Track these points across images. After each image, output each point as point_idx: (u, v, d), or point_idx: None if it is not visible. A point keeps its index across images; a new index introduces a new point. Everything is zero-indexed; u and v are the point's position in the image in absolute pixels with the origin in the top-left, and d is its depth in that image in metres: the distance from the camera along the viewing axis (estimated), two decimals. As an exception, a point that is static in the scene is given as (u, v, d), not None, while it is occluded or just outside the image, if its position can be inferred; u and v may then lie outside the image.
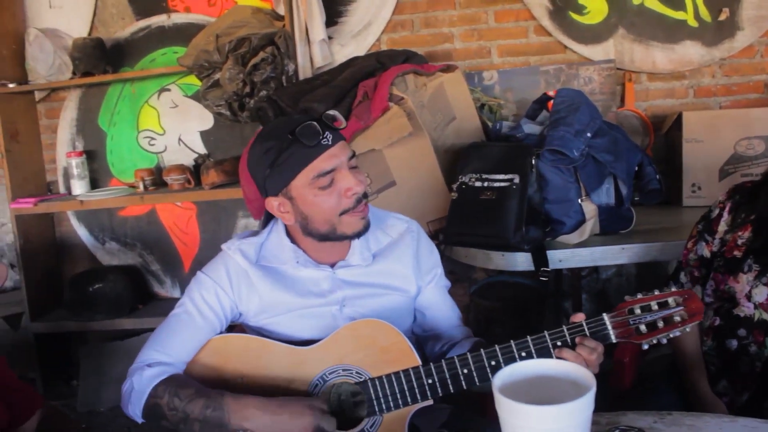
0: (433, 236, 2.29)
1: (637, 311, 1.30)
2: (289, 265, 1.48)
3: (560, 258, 2.06)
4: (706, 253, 1.68)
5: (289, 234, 1.49)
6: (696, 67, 2.88)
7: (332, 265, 1.50)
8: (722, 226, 1.65)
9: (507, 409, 0.88)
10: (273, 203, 1.42)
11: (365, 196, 1.42)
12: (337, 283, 1.48)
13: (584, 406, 0.86)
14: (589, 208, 2.08)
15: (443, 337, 1.58)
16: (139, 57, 3.25)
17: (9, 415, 1.27)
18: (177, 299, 3.28)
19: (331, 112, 1.41)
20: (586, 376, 0.90)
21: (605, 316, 1.32)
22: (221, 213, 3.29)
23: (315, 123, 1.35)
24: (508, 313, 2.97)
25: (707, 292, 1.66)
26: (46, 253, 3.41)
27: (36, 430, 1.38)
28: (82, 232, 3.45)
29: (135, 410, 1.37)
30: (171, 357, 1.40)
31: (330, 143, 1.36)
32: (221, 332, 1.47)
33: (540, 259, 2.01)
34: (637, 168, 2.18)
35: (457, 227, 2.15)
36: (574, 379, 0.93)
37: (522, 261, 2.06)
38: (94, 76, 3.10)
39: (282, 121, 1.43)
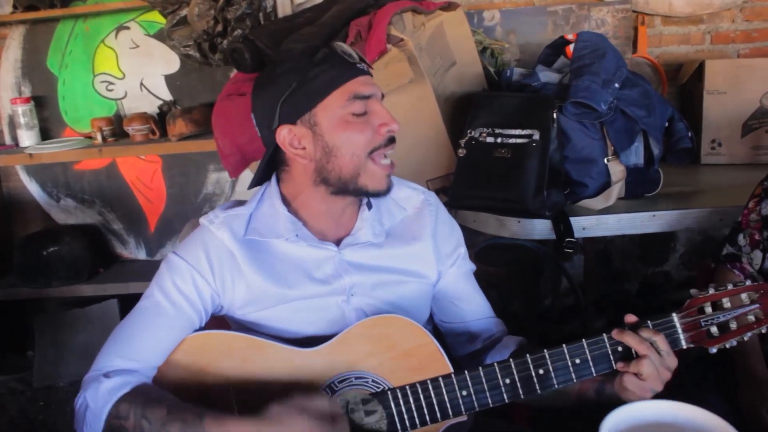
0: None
1: (708, 310, 1.12)
2: (285, 238, 1.20)
3: (584, 226, 1.83)
4: None
5: (285, 201, 1.22)
6: (716, 11, 2.63)
7: (337, 243, 1.23)
8: None
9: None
10: (285, 135, 1.16)
11: (394, 139, 1.20)
12: (344, 267, 1.22)
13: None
14: (617, 170, 1.84)
15: (475, 333, 1.34)
16: (92, -11, 2.86)
17: None
18: (142, 261, 3.10)
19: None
20: (721, 427, 0.66)
21: (675, 317, 1.12)
22: (190, 166, 2.98)
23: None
24: (506, 276, 2.78)
25: None
26: (-8, 211, 3.07)
27: None
28: (33, 188, 3.10)
29: None
30: (135, 362, 1.13)
31: (367, 71, 1.19)
32: (200, 329, 1.19)
33: (563, 228, 1.77)
34: (667, 124, 1.94)
35: (467, 189, 1.90)
36: (702, 428, 0.68)
37: (541, 229, 1.83)
38: (39, 10, 2.73)
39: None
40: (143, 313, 1.17)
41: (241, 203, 1.27)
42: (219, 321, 1.27)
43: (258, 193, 1.26)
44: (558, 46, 2.09)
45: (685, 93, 2.61)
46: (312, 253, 1.21)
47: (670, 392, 1.09)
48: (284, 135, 1.16)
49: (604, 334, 1.12)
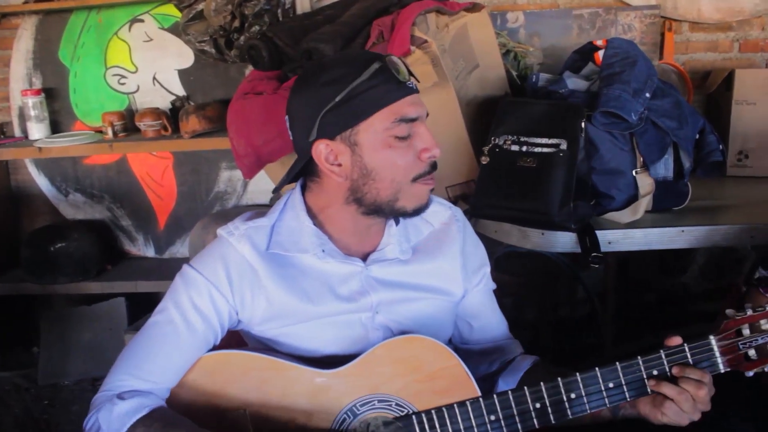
0: (453, 204, 2.00)
1: (746, 332, 1.08)
2: (312, 254, 1.15)
3: (609, 240, 1.76)
4: None
5: (310, 213, 1.17)
6: (746, 18, 2.56)
7: (363, 258, 1.18)
8: None
9: None
10: (322, 150, 1.10)
11: (435, 166, 1.14)
12: (370, 283, 1.17)
13: None
14: (646, 182, 1.78)
15: (492, 353, 1.30)
16: (106, -20, 2.82)
17: None
18: (150, 259, 3.06)
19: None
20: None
21: (712, 340, 1.08)
22: (201, 163, 2.94)
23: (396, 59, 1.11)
24: (522, 285, 2.73)
25: None
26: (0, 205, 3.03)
27: None
28: (42, 182, 3.07)
29: None
30: (150, 383, 1.08)
31: (415, 89, 1.13)
32: (215, 346, 1.14)
33: (589, 241, 1.72)
34: (697, 136, 1.88)
35: (489, 198, 1.84)
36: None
37: (565, 242, 1.77)
38: (52, 0, 2.72)
39: (344, 55, 1.20)
40: (157, 331, 1.12)
41: (262, 213, 1.21)
42: (232, 334, 1.22)
43: (280, 203, 1.21)
44: (586, 52, 2.02)
45: (712, 102, 2.55)
46: (338, 268, 1.17)
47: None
48: (321, 149, 1.10)
49: (639, 358, 1.09)
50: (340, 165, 1.11)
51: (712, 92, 2.51)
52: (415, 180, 1.12)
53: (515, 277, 2.59)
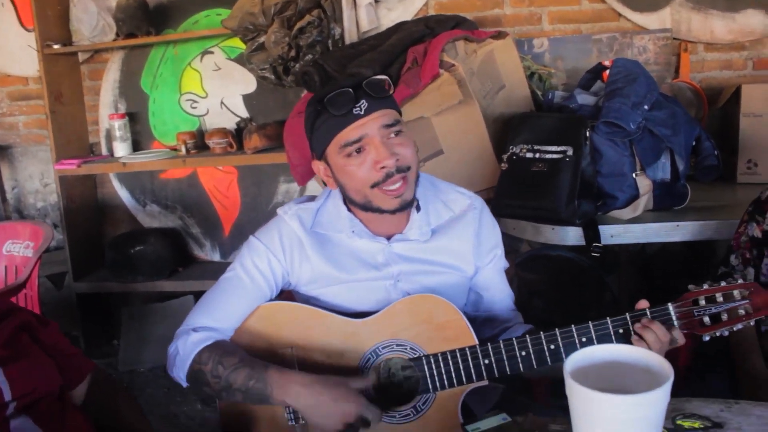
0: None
1: (702, 302, 1.27)
2: (345, 234, 1.43)
3: (612, 233, 2.00)
4: (757, 233, 1.66)
5: (346, 202, 1.45)
6: (758, 38, 2.76)
7: (389, 238, 1.44)
8: None
9: (580, 397, 0.84)
10: (319, 166, 1.42)
11: (401, 170, 1.34)
12: (393, 257, 1.44)
13: (662, 396, 0.83)
14: (644, 183, 2.01)
15: (497, 321, 1.53)
16: (182, 19, 3.22)
17: (62, 380, 1.27)
18: (216, 263, 3.43)
19: (377, 77, 1.35)
20: (662, 364, 0.86)
21: (670, 306, 1.29)
22: (262, 177, 3.28)
23: (350, 90, 1.30)
24: (550, 286, 2.92)
25: (763, 272, 1.64)
26: (88, 214, 3.44)
27: (86, 394, 1.38)
28: (123, 194, 3.47)
29: (179, 374, 1.37)
30: (218, 322, 1.38)
31: (362, 113, 1.30)
32: (271, 300, 1.44)
33: (592, 234, 1.96)
34: (694, 143, 2.10)
35: (507, 199, 2.10)
36: (647, 366, 0.89)
37: (573, 235, 2.01)
38: (137, 37, 3.09)
39: (326, 87, 1.41)
40: (226, 284, 1.43)
41: (312, 198, 1.51)
42: (287, 294, 1.52)
43: (326, 191, 1.49)
44: (596, 71, 2.28)
45: (724, 115, 2.72)
46: (366, 245, 1.43)
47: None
48: (317, 166, 1.42)
49: (608, 318, 1.30)
50: (330, 177, 1.41)
51: (723, 106, 2.69)
52: (373, 187, 1.34)
53: (542, 275, 2.79)
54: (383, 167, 1.32)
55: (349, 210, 1.44)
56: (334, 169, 1.37)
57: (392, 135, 1.34)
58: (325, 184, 1.46)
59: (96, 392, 1.38)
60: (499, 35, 2.55)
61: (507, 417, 1.06)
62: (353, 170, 1.34)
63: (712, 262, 3.08)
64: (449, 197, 1.51)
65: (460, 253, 1.48)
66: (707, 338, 1.28)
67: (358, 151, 1.33)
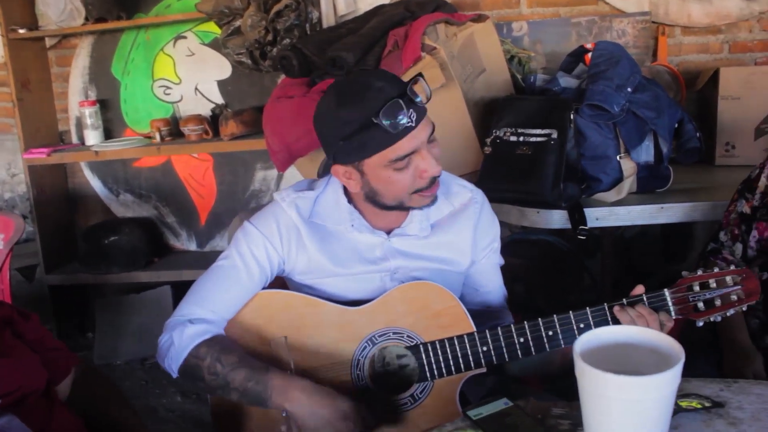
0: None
1: (696, 288, 1.29)
2: (343, 226, 1.40)
3: (597, 216, 2.00)
4: (746, 209, 1.68)
5: (346, 193, 1.41)
6: (733, 21, 2.78)
7: (388, 232, 1.41)
8: (763, 182, 1.66)
9: (590, 378, 0.83)
10: (340, 170, 1.33)
11: (434, 180, 1.33)
12: (391, 252, 1.41)
13: (674, 378, 0.82)
14: (628, 166, 2.01)
15: (490, 317, 1.52)
16: (153, 3, 3.14)
17: (47, 375, 1.23)
18: (193, 252, 3.37)
19: (420, 83, 1.28)
20: (673, 346, 0.86)
21: (666, 292, 1.30)
22: (239, 165, 3.23)
23: (401, 102, 1.21)
24: (532, 271, 2.94)
25: (750, 245, 1.66)
26: (59, 204, 3.36)
27: (71, 388, 1.34)
28: (95, 184, 3.39)
29: (172, 365, 1.33)
30: (214, 313, 1.35)
31: (414, 124, 1.24)
32: (265, 288, 1.41)
33: (578, 218, 1.96)
34: (677, 125, 2.11)
35: (491, 183, 2.08)
36: (656, 347, 0.88)
37: (558, 219, 2.01)
38: (107, 22, 3.01)
39: (362, 87, 1.25)
40: (221, 272, 1.38)
41: (311, 184, 1.45)
42: (279, 281, 1.48)
43: (326, 177, 1.45)
44: (578, 54, 2.27)
45: (702, 98, 2.75)
46: (365, 238, 1.40)
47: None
48: (338, 170, 1.33)
49: (605, 304, 1.30)
50: (355, 181, 1.32)
51: (701, 89, 2.72)
52: (414, 193, 1.31)
53: (525, 260, 2.80)
54: (431, 175, 1.30)
55: (349, 201, 1.41)
56: (371, 177, 1.30)
57: (432, 140, 1.31)
58: (320, 176, 1.43)
59: (81, 385, 1.34)
60: (479, 18, 2.53)
61: (509, 402, 1.04)
62: (397, 179, 1.29)
63: (689, 244, 3.13)
64: (451, 190, 1.47)
65: (459, 247, 1.46)
66: (701, 323, 1.30)
67: (407, 163, 1.28)
